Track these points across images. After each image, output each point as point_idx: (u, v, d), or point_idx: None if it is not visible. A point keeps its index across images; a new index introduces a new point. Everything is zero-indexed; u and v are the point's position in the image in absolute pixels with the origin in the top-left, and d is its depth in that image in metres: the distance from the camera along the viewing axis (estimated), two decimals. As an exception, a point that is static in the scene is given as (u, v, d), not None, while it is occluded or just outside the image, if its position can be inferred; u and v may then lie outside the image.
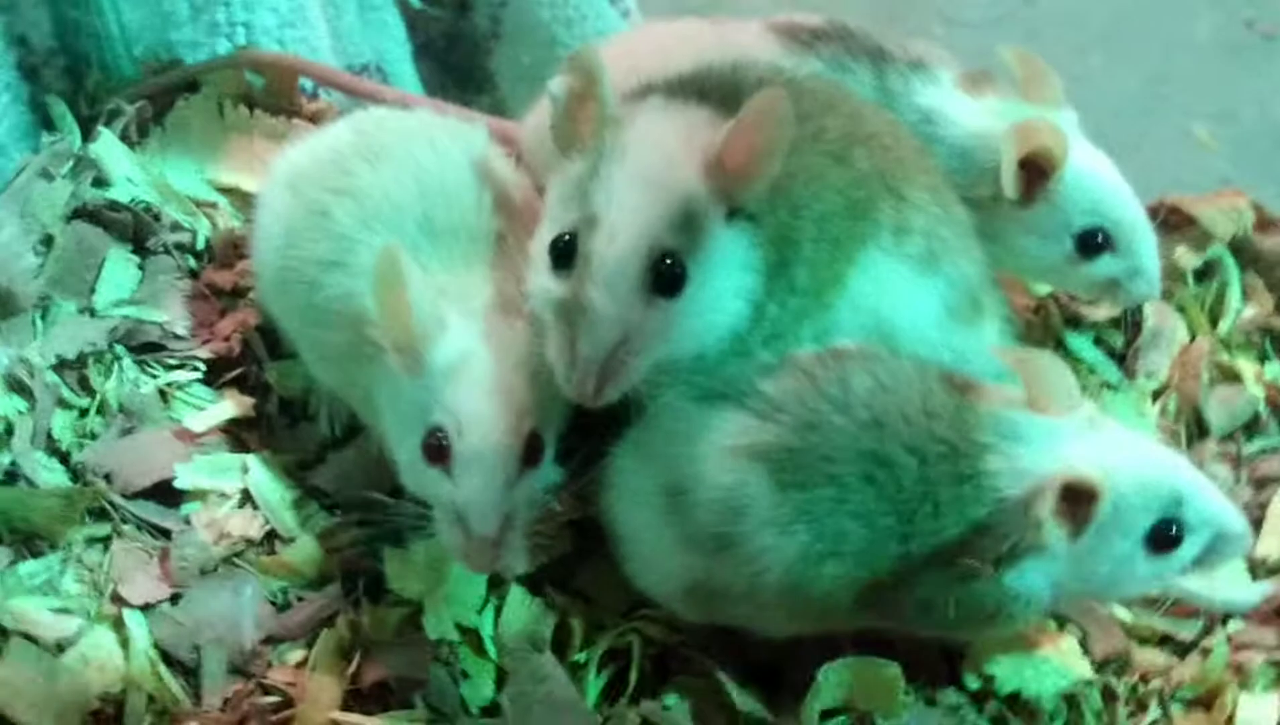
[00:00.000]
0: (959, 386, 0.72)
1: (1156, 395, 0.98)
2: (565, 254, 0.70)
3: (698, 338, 0.72)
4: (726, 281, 0.72)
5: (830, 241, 0.75)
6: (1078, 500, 0.67)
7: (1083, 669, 0.79)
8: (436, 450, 0.72)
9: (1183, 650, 0.84)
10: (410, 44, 1.38)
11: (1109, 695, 0.80)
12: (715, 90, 0.75)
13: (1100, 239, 0.90)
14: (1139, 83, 1.96)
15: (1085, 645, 0.81)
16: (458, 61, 1.42)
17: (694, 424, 0.72)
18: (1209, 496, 0.69)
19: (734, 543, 0.71)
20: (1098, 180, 0.91)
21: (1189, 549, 0.70)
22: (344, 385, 0.83)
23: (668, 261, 0.69)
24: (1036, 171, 0.88)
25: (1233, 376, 0.99)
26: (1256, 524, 0.90)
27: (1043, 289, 1.03)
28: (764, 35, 0.94)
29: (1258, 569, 0.88)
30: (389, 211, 0.78)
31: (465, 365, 0.72)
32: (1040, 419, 0.70)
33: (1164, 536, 0.69)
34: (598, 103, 0.72)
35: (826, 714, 0.75)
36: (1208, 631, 0.84)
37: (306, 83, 1.14)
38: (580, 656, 0.78)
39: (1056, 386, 0.70)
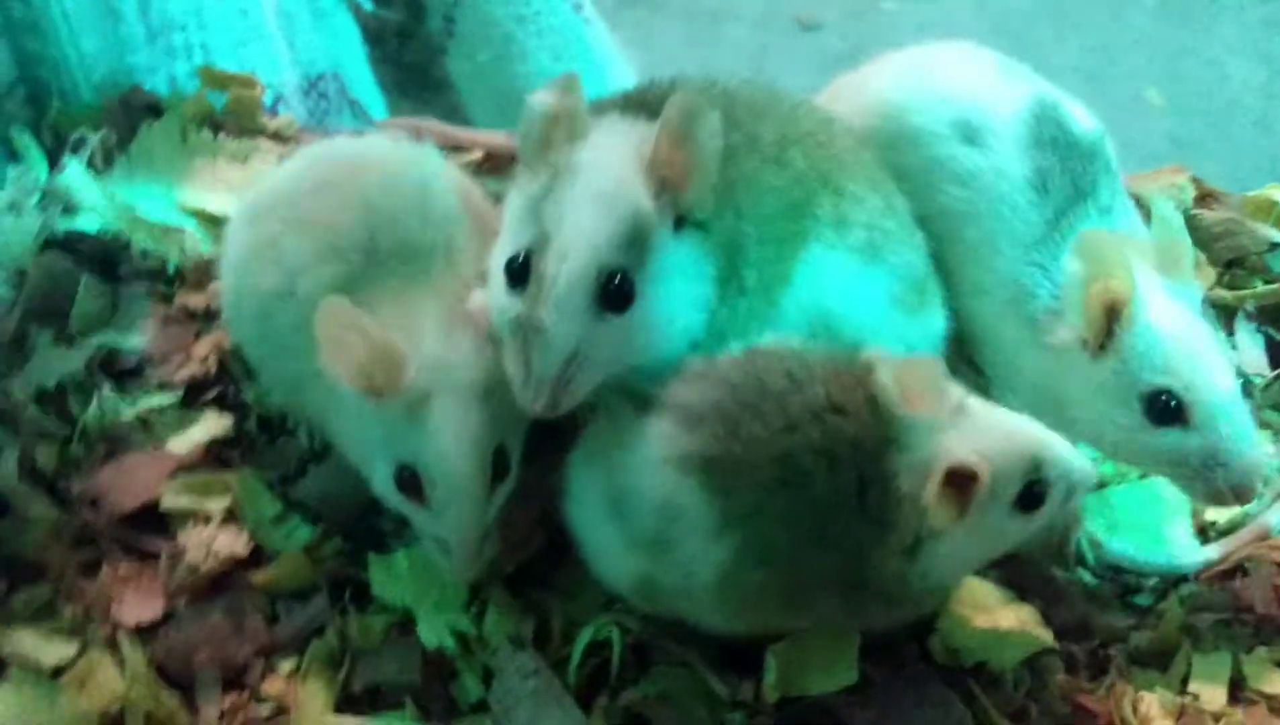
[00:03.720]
0: (862, 372, 0.73)
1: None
2: (520, 273, 0.71)
3: (653, 348, 0.74)
4: (678, 292, 0.73)
5: (774, 241, 0.77)
6: (961, 485, 0.69)
7: (1045, 637, 0.80)
8: (409, 485, 0.73)
9: (1140, 614, 0.86)
10: (366, 48, 1.39)
11: (1070, 661, 0.82)
12: (661, 105, 0.75)
13: (1169, 404, 0.78)
14: (1088, 48, 1.99)
15: (1046, 615, 0.82)
16: (413, 63, 1.43)
17: (628, 432, 0.73)
18: (1061, 452, 0.72)
19: (670, 547, 0.72)
20: (1177, 339, 0.79)
21: (1051, 503, 0.73)
22: (306, 409, 0.83)
23: (617, 279, 0.70)
24: (1112, 318, 0.80)
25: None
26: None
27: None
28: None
29: (1208, 533, 0.90)
30: (335, 241, 0.78)
31: (425, 400, 0.73)
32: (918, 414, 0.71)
33: (1031, 497, 0.72)
34: (572, 124, 0.73)
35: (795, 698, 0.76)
36: (1163, 595, 0.86)
37: (268, 98, 1.15)
38: (563, 651, 0.80)
39: (928, 387, 0.71)
